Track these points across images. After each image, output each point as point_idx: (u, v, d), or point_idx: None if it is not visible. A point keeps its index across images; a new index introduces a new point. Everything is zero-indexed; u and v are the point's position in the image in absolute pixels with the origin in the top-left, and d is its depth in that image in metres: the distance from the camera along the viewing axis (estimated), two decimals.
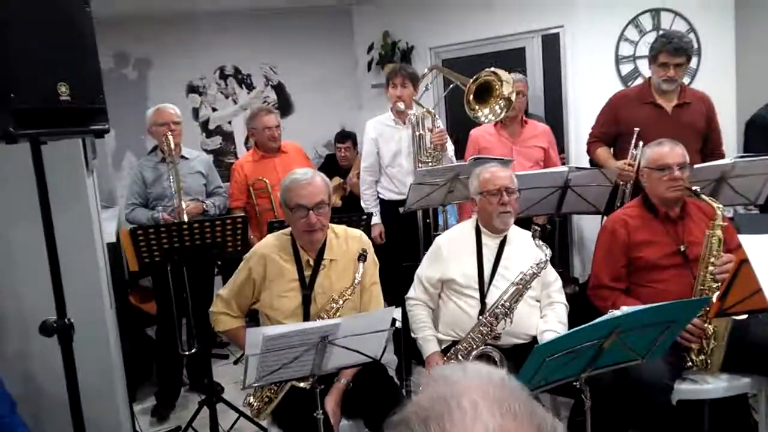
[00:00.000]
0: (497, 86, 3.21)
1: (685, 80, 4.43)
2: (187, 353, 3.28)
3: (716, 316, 1.95)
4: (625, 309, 1.71)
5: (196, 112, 5.63)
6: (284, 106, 5.83)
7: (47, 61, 1.62)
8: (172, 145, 3.33)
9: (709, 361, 2.36)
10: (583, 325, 1.68)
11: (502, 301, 2.36)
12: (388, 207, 3.67)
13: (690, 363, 2.40)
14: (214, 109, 5.67)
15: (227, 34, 5.61)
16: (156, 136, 3.52)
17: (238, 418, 3.18)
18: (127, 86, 5.42)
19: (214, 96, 5.66)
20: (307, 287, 2.37)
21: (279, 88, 5.82)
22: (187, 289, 2.99)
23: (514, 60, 5.02)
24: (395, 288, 3.35)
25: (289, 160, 3.88)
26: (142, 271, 3.58)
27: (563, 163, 4.39)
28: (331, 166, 5.27)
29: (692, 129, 3.17)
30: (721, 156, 3.28)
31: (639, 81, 4.27)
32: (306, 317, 2.35)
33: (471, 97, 3.19)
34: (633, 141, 3.12)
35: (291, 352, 1.82)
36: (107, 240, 2.88)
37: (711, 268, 2.38)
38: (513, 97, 3.22)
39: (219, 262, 3.83)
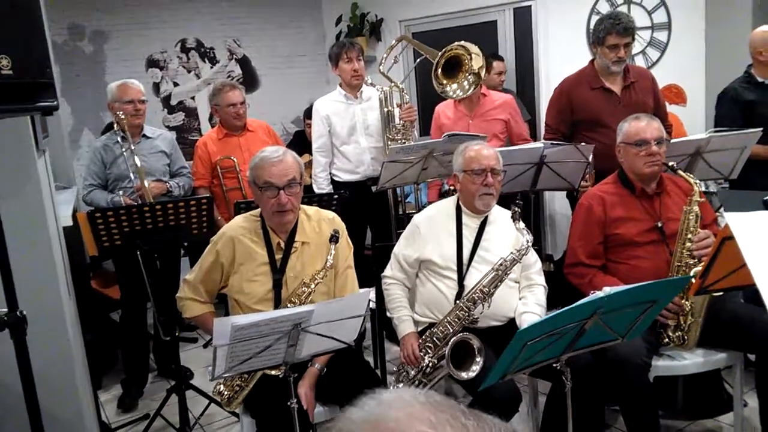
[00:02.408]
0: (466, 60, 3.11)
1: (654, 55, 4.44)
2: (155, 337, 3.17)
3: (697, 293, 1.92)
4: (607, 290, 1.67)
5: (157, 87, 5.41)
6: (250, 81, 5.64)
7: None
8: (125, 126, 3.16)
9: (686, 337, 2.35)
10: (565, 308, 1.63)
11: (481, 287, 2.30)
12: (345, 189, 3.52)
13: (667, 340, 2.39)
14: (175, 84, 5.46)
15: (189, 6, 5.39)
16: (115, 113, 3.33)
17: (208, 405, 3.09)
18: (83, 60, 5.16)
19: (175, 70, 5.44)
20: (278, 271, 2.28)
21: (244, 62, 5.63)
22: (144, 275, 2.87)
23: (485, 33, 4.94)
24: (365, 269, 3.29)
25: (255, 139, 3.74)
26: (104, 255, 3.44)
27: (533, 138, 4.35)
28: (300, 142, 5.11)
29: (643, 108, 3.15)
30: (669, 130, 3.27)
31: None
32: (277, 302, 2.26)
33: (439, 71, 3.09)
34: (585, 167, 3.05)
35: (262, 341, 1.73)
36: (64, 223, 2.71)
37: (688, 244, 2.36)
38: (482, 72, 3.12)
39: (185, 245, 3.69)
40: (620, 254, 2.55)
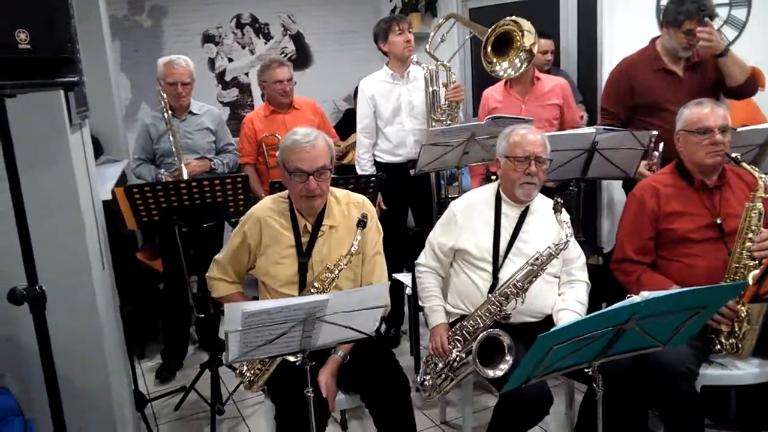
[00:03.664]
0: (518, 37, 2.93)
1: (731, 34, 4.09)
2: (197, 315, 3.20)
3: (751, 301, 1.74)
4: (645, 294, 1.51)
5: (212, 62, 5.44)
6: (303, 58, 5.60)
7: (2, 4, 1.45)
8: (166, 105, 3.17)
9: (740, 345, 2.15)
10: (595, 312, 1.50)
11: (515, 281, 2.17)
12: (387, 170, 3.41)
13: (719, 346, 2.20)
14: (230, 60, 5.48)
15: None
16: (163, 91, 3.35)
17: (240, 383, 3.10)
18: (142, 35, 5.25)
19: (230, 46, 5.46)
20: (303, 254, 2.22)
21: (297, 39, 5.58)
22: (181, 251, 2.86)
23: (546, 9, 4.69)
24: (405, 254, 3.20)
25: (301, 117, 3.69)
26: (148, 229, 3.50)
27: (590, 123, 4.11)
28: (350, 121, 5.04)
29: (708, 88, 2.88)
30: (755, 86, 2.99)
31: None
32: (302, 286, 2.21)
33: (489, 48, 2.93)
34: (651, 142, 2.82)
35: (275, 329, 1.68)
36: (105, 197, 2.75)
37: (748, 244, 2.15)
38: (535, 49, 2.93)
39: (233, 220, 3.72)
40: (673, 251, 2.36)
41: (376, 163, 3.59)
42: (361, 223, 2.16)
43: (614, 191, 4.57)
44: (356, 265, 2.28)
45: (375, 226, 2.34)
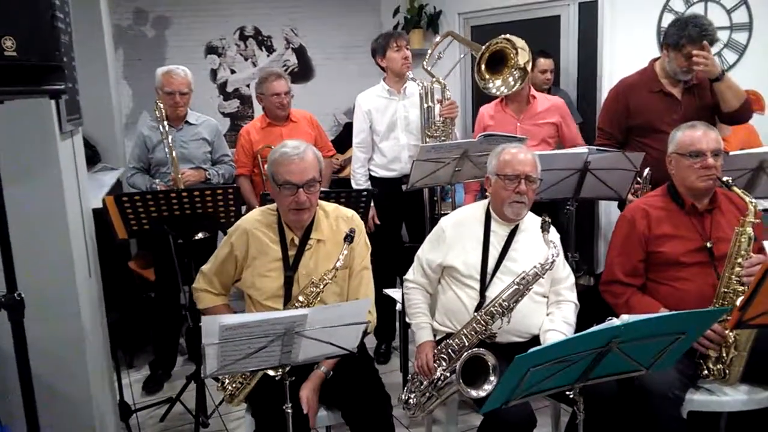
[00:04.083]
0: (512, 55, 2.93)
1: (731, 57, 4.09)
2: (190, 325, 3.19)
3: (735, 327, 1.72)
4: (625, 318, 1.50)
5: (214, 73, 5.48)
6: (305, 71, 5.64)
7: None
8: (164, 114, 3.17)
9: (727, 371, 2.12)
10: (574, 335, 1.48)
11: (500, 300, 2.15)
12: (380, 185, 3.45)
13: (706, 372, 2.17)
14: (232, 71, 5.51)
15: None
16: (161, 100, 3.36)
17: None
18: (146, 45, 5.30)
19: (233, 58, 5.50)
20: (290, 268, 2.21)
21: (300, 52, 5.61)
22: (175, 261, 2.84)
23: (547, 29, 4.71)
24: (398, 269, 3.19)
25: (297, 130, 3.70)
26: (140, 237, 3.49)
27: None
28: (349, 134, 5.01)
29: (704, 111, 2.87)
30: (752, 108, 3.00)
31: None
32: (287, 299, 2.20)
33: (483, 66, 2.93)
34: (637, 170, 2.82)
35: (254, 343, 1.67)
36: (95, 205, 2.75)
37: (737, 269, 2.13)
38: (529, 67, 2.94)
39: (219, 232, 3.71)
40: (662, 274, 2.33)
41: (371, 178, 3.59)
42: (348, 238, 2.15)
43: (612, 211, 4.54)
44: (343, 279, 2.27)
45: (363, 241, 2.33)
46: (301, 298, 2.12)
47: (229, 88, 5.54)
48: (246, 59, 5.53)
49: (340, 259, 2.11)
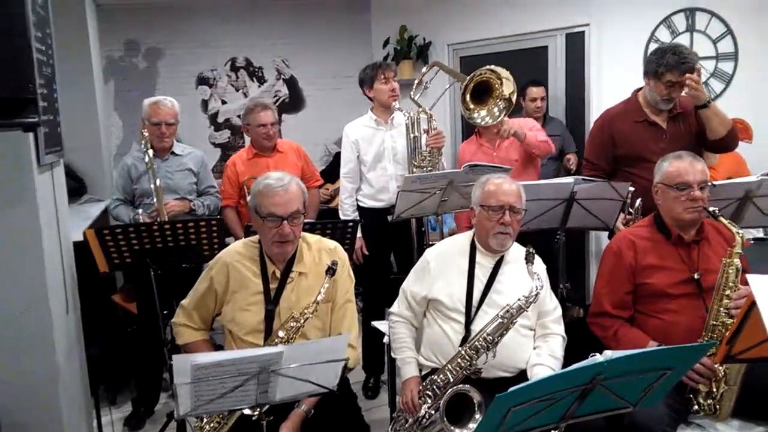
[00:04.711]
0: (497, 85, 2.93)
1: (718, 87, 4.12)
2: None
3: (723, 362, 1.68)
4: (608, 354, 1.45)
5: (205, 104, 5.50)
6: (296, 101, 5.66)
7: None
8: (149, 144, 3.16)
9: (718, 406, 2.07)
10: (555, 372, 1.43)
11: (485, 334, 2.10)
12: (368, 216, 3.42)
13: (696, 407, 2.11)
14: (223, 102, 5.53)
15: (240, 26, 5.47)
16: (147, 131, 3.35)
17: None
18: (137, 75, 5.33)
19: (224, 88, 5.53)
20: (271, 302, 2.17)
21: (291, 83, 5.65)
22: (155, 295, 2.79)
23: (535, 59, 4.75)
24: (387, 301, 3.13)
25: (284, 161, 3.68)
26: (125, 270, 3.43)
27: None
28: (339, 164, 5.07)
29: (690, 139, 2.87)
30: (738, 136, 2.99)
31: None
32: (268, 334, 2.15)
33: (468, 96, 2.93)
34: (623, 200, 2.82)
35: (228, 382, 1.62)
36: (76, 238, 2.71)
37: (726, 301, 2.09)
38: (513, 98, 2.94)
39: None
40: (650, 306, 2.30)
41: (359, 208, 3.56)
42: (330, 271, 2.11)
43: (603, 240, 4.52)
44: (325, 313, 2.22)
45: (347, 274, 2.30)
46: (281, 334, 2.07)
47: (220, 119, 5.55)
48: (237, 90, 5.55)
49: (321, 292, 2.07)
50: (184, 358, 1.54)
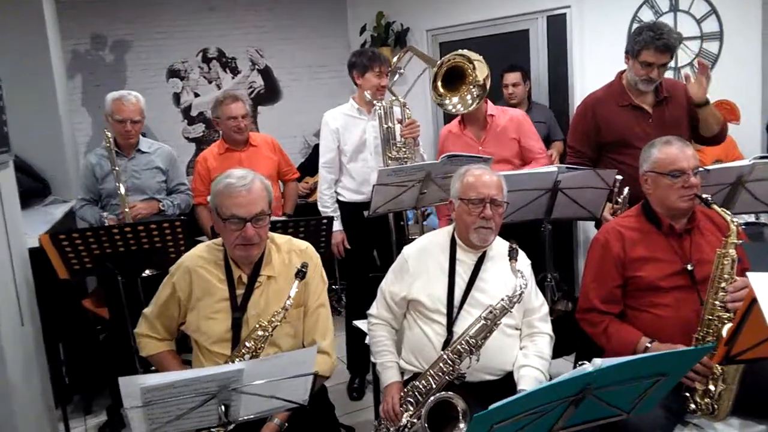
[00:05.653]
0: (469, 70, 2.78)
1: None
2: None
3: (722, 363, 1.56)
4: (598, 362, 1.33)
5: (177, 97, 5.31)
6: (271, 92, 5.48)
7: None
8: (111, 143, 2.98)
9: (716, 405, 1.95)
10: (541, 385, 1.31)
11: (467, 337, 1.97)
12: (349, 210, 3.26)
13: (693, 406, 2.00)
14: (196, 95, 5.34)
15: (211, 15, 5.27)
16: (110, 129, 3.17)
17: None
18: (105, 70, 5.12)
19: (196, 80, 5.33)
20: (238, 308, 2.02)
21: (266, 73, 5.46)
22: (124, 300, 2.63)
23: (516, 43, 4.61)
24: (369, 300, 3.00)
25: (257, 155, 3.53)
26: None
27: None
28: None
29: (679, 126, 2.76)
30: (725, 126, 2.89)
31: None
32: (235, 343, 2.00)
33: (439, 82, 2.78)
34: (610, 188, 2.70)
35: (185, 403, 1.47)
36: (32, 244, 2.55)
37: (721, 294, 1.97)
38: (488, 83, 2.79)
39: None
40: (641, 300, 2.17)
41: (338, 202, 3.41)
42: (300, 273, 1.96)
43: (591, 230, 4.41)
44: (297, 318, 2.08)
45: (319, 276, 2.15)
46: (248, 344, 1.92)
47: (194, 112, 5.36)
48: (210, 82, 5.36)
49: (290, 297, 1.92)
50: (131, 380, 1.39)
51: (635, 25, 4.08)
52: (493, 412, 1.26)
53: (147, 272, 2.65)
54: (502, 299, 1.96)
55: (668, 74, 3.66)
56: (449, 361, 1.99)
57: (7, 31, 3.60)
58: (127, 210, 2.94)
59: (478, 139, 3.16)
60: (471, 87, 2.83)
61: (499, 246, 2.23)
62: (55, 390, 2.63)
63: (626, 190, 2.69)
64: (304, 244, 2.17)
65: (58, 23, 4.47)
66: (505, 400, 1.27)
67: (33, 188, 3.83)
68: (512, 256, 2.02)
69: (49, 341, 2.76)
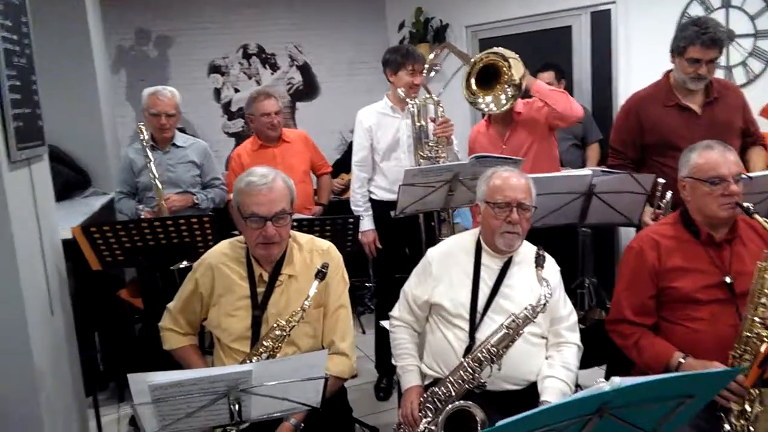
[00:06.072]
0: (504, 69, 2.70)
1: (757, 67, 3.80)
2: None
3: (754, 385, 1.46)
4: (616, 381, 1.26)
5: (217, 92, 5.38)
6: (310, 89, 5.50)
7: None
8: (146, 137, 3.03)
9: (752, 428, 1.84)
10: (554, 403, 1.25)
11: (488, 345, 1.91)
12: (382, 208, 3.21)
13: (728, 427, 1.89)
14: (236, 90, 5.40)
15: (252, 11, 5.31)
16: (146, 123, 3.23)
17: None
18: (148, 64, 5.22)
19: (236, 76, 5.39)
20: (258, 307, 2.02)
21: (304, 69, 5.48)
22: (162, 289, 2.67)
23: (558, 40, 4.48)
24: (395, 303, 2.96)
25: (291, 150, 3.54)
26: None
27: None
28: None
29: (729, 129, 2.63)
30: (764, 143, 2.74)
31: None
32: (254, 341, 2.00)
33: (472, 80, 2.71)
34: (648, 193, 2.58)
35: (194, 401, 1.47)
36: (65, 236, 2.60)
37: (761, 309, 1.85)
38: (524, 83, 2.70)
39: None
40: (676, 313, 2.07)
41: (371, 200, 3.38)
42: (320, 274, 1.94)
43: (633, 234, 4.26)
44: (316, 319, 2.06)
45: (340, 276, 2.13)
46: (266, 343, 1.91)
47: (234, 108, 5.42)
48: (250, 78, 5.41)
49: (309, 297, 1.90)
50: (140, 377, 1.40)
51: (684, 21, 3.91)
52: (501, 429, 1.21)
53: (184, 263, 2.67)
54: (526, 308, 1.90)
55: (719, 73, 3.50)
56: (469, 369, 1.94)
57: (51, 25, 3.69)
58: (162, 202, 2.98)
59: (502, 137, 3.07)
60: (506, 86, 2.75)
61: (527, 251, 2.16)
62: (87, 378, 2.69)
63: (669, 194, 2.57)
64: (326, 244, 2.15)
65: (103, 19, 4.57)
66: (513, 417, 1.21)
67: (74, 180, 3.94)
68: (538, 263, 1.95)
69: (84, 330, 2.83)
